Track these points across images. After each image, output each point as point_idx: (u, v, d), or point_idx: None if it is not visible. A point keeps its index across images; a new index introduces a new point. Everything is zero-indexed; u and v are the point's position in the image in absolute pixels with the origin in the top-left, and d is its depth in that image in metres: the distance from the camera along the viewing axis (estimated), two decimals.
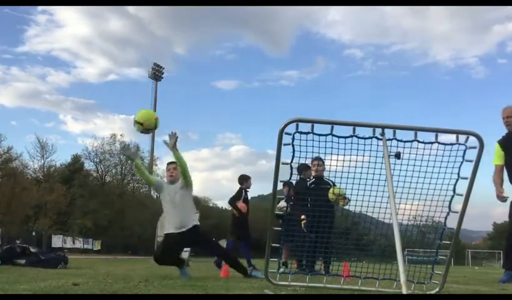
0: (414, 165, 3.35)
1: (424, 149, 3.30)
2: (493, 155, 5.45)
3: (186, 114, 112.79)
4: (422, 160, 3.35)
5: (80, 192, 43.31)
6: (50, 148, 42.27)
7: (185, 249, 5.14)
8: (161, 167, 52.44)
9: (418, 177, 3.39)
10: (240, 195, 8.35)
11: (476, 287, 4.40)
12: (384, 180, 3.23)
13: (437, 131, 3.20)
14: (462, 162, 3.27)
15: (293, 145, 3.19)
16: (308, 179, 6.16)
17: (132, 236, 43.39)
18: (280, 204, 6.52)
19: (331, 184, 4.65)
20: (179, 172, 4.92)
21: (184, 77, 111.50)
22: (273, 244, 3.52)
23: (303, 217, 5.61)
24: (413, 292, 3.43)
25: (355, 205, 3.59)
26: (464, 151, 3.23)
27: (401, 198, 3.42)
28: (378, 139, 3.26)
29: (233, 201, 8.43)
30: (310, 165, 5.79)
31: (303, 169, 5.72)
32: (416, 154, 3.32)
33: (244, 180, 8.45)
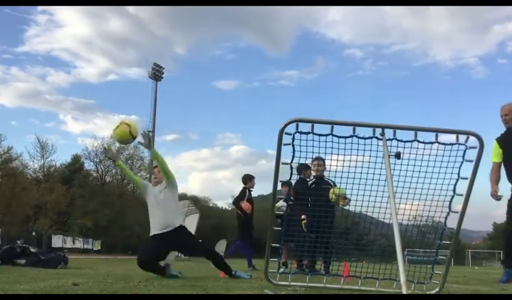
0: (414, 165, 3.36)
1: (424, 149, 3.30)
2: (491, 153, 5.45)
3: (186, 114, 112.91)
4: (422, 160, 3.35)
5: (80, 192, 43.31)
6: (50, 148, 42.30)
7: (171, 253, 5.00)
8: None
9: (418, 177, 3.39)
10: (243, 195, 8.34)
11: (476, 287, 4.40)
12: (384, 180, 3.23)
13: (437, 131, 3.20)
14: (462, 162, 3.27)
15: (293, 145, 3.19)
16: (308, 179, 6.17)
17: (132, 236, 43.38)
18: (278, 203, 6.53)
19: (332, 184, 4.66)
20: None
21: (184, 77, 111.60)
22: (273, 244, 3.52)
23: (303, 217, 5.61)
24: (413, 292, 3.43)
25: (355, 205, 3.60)
26: (464, 151, 3.24)
27: (401, 198, 3.42)
28: (378, 139, 3.27)
29: (237, 201, 8.43)
30: (310, 165, 5.79)
31: (303, 169, 5.73)
32: (416, 154, 3.32)
33: (248, 179, 8.45)
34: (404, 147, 3.27)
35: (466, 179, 3.26)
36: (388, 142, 3.25)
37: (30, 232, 35.22)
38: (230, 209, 65.53)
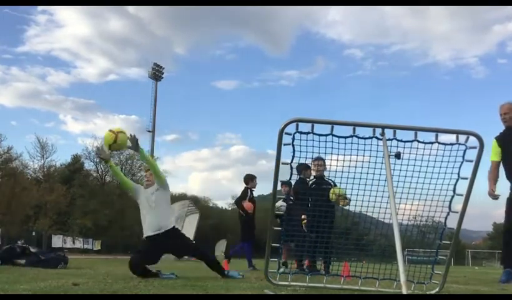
0: (414, 165, 3.36)
1: (424, 149, 3.30)
2: (490, 152, 5.45)
3: (186, 114, 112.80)
4: (422, 160, 3.35)
5: (80, 192, 43.32)
6: (50, 148, 42.34)
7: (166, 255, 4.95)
8: (161, 167, 52.50)
9: (418, 177, 3.39)
10: (245, 195, 8.35)
11: (476, 287, 4.40)
12: (384, 180, 3.23)
13: (437, 131, 3.20)
14: (462, 162, 3.27)
15: (293, 145, 3.19)
16: (308, 179, 6.17)
17: (132, 236, 43.35)
18: (277, 203, 6.53)
19: (332, 184, 4.66)
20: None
21: (184, 77, 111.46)
22: (273, 244, 3.52)
23: (303, 217, 5.61)
24: (413, 292, 3.43)
25: (355, 205, 3.60)
26: (464, 151, 3.24)
27: (401, 198, 3.42)
28: (378, 139, 3.27)
29: (239, 201, 8.43)
30: (310, 165, 5.79)
31: (302, 168, 5.73)
32: (416, 154, 3.32)
33: (250, 179, 8.45)
34: (404, 147, 3.27)
35: (466, 179, 3.26)
36: (388, 142, 3.25)
37: (30, 232, 35.24)
38: (230, 209, 65.58)
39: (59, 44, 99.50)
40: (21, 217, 34.55)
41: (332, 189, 4.90)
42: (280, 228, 3.81)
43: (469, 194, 3.26)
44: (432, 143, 3.26)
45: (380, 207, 3.41)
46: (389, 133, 3.26)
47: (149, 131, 59.75)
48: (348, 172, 3.52)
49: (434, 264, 3.61)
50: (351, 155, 3.41)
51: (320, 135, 3.17)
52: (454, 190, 3.32)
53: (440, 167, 3.35)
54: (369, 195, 3.43)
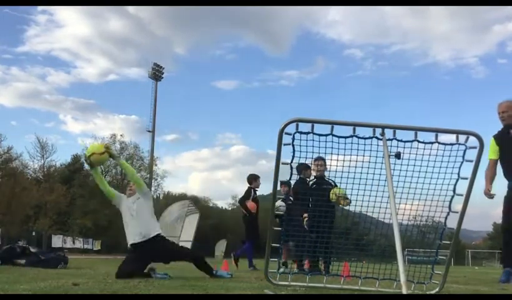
0: (414, 165, 3.36)
1: (424, 149, 3.30)
2: (488, 150, 5.46)
3: (186, 114, 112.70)
4: (422, 160, 3.35)
5: (80, 192, 43.32)
6: (50, 148, 42.40)
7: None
8: (161, 167, 52.52)
9: (418, 177, 3.39)
10: (249, 195, 8.37)
11: (476, 287, 4.40)
12: (384, 180, 3.23)
13: (437, 131, 3.20)
14: (462, 162, 3.27)
15: (293, 145, 3.19)
16: (308, 179, 6.17)
17: None
18: (276, 203, 6.53)
19: (333, 184, 4.66)
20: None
21: (184, 77, 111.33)
22: (273, 244, 3.52)
23: (305, 215, 5.62)
24: (413, 292, 3.43)
25: (355, 205, 3.60)
26: (464, 151, 3.24)
27: (401, 198, 3.42)
28: (378, 139, 3.27)
29: (242, 201, 8.45)
30: (310, 165, 5.79)
31: (302, 168, 5.73)
32: (416, 154, 3.32)
33: (253, 179, 8.47)
34: (404, 147, 3.27)
35: (466, 179, 3.26)
36: (388, 142, 3.25)
37: (30, 232, 35.25)
38: (230, 209, 65.62)
39: (59, 44, 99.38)
40: (21, 217, 34.56)
41: (333, 190, 4.90)
42: (279, 228, 3.81)
43: (469, 194, 3.26)
44: (432, 143, 3.25)
45: (380, 207, 3.41)
46: (389, 133, 3.26)
47: (149, 131, 59.66)
48: (348, 172, 3.52)
49: (434, 264, 3.61)
50: (351, 155, 3.41)
51: (320, 135, 3.17)
52: (454, 190, 3.32)
53: (440, 167, 3.35)
54: (369, 195, 3.43)
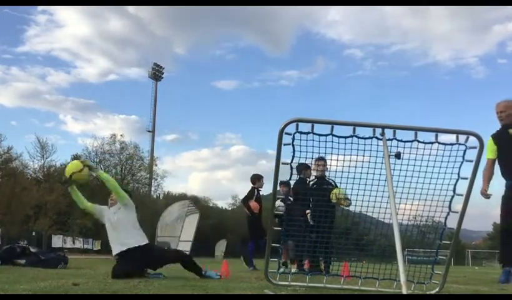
0: (414, 165, 3.36)
1: (424, 149, 3.30)
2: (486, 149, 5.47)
3: (186, 114, 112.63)
4: (422, 160, 3.36)
5: (80, 192, 43.28)
6: (50, 148, 42.28)
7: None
8: (161, 167, 52.51)
9: (418, 177, 3.39)
10: (252, 195, 8.39)
11: (476, 287, 4.40)
12: (384, 180, 3.23)
13: (437, 131, 3.20)
14: (462, 162, 3.27)
15: (293, 145, 3.19)
16: (308, 179, 6.17)
17: None
18: (275, 203, 6.53)
19: (333, 184, 4.66)
20: None
21: (184, 77, 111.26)
22: (273, 244, 3.53)
23: (308, 211, 5.62)
24: (413, 292, 3.43)
25: (355, 205, 3.60)
26: (464, 151, 3.24)
27: (401, 198, 3.42)
28: (378, 139, 3.27)
29: (245, 201, 8.46)
30: (311, 165, 5.79)
31: (302, 168, 5.73)
32: (416, 154, 3.33)
33: (256, 179, 8.49)
34: (404, 147, 3.27)
35: (466, 179, 3.26)
36: (388, 142, 3.25)
37: (30, 232, 35.24)
38: (230, 209, 65.59)
39: (59, 44, 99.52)
40: (21, 217, 34.55)
41: (333, 191, 4.89)
42: (279, 228, 3.81)
43: (469, 194, 3.26)
44: (432, 143, 3.26)
45: (380, 207, 3.42)
46: (389, 133, 3.26)
47: (149, 131, 59.76)
48: (348, 172, 3.52)
49: (434, 264, 3.61)
50: (351, 155, 3.41)
51: (320, 135, 3.17)
52: (454, 190, 3.33)
53: (440, 167, 3.35)
54: (369, 195, 3.44)
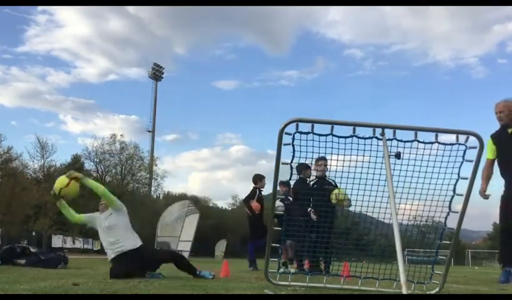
0: (414, 165, 3.36)
1: (424, 149, 3.30)
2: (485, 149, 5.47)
3: (186, 114, 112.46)
4: (422, 160, 3.36)
5: (80, 192, 43.30)
6: (50, 148, 42.33)
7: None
8: (161, 167, 52.50)
9: (418, 177, 3.39)
10: (253, 195, 8.42)
11: (476, 287, 4.40)
12: (384, 180, 3.23)
13: (437, 131, 3.20)
14: (462, 162, 3.27)
15: (293, 145, 3.19)
16: (308, 179, 6.17)
17: None
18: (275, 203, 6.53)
19: (334, 184, 4.67)
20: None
21: (184, 77, 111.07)
22: (273, 244, 3.53)
23: (309, 209, 5.62)
24: (413, 292, 3.43)
25: (355, 205, 3.60)
26: (464, 151, 3.24)
27: (401, 198, 3.42)
28: (378, 139, 3.27)
29: (246, 200, 8.48)
30: (310, 165, 5.79)
31: (302, 168, 5.73)
32: (416, 154, 3.33)
33: (258, 179, 8.52)
34: (404, 147, 3.27)
35: (466, 179, 3.26)
36: (388, 142, 3.26)
37: (30, 232, 35.22)
38: (230, 209, 65.59)
39: (59, 44, 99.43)
40: (21, 217, 34.54)
41: (333, 192, 4.89)
42: (279, 228, 3.81)
43: (469, 194, 3.26)
44: (432, 143, 3.26)
45: (380, 207, 3.42)
46: (389, 133, 3.26)
47: (149, 131, 59.87)
48: (348, 172, 3.53)
49: (434, 264, 3.61)
50: (351, 155, 3.41)
51: (320, 135, 3.18)
52: (454, 190, 3.33)
53: (440, 167, 3.35)
54: (369, 195, 3.44)
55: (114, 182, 48.14)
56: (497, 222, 5.77)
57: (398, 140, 3.25)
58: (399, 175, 3.34)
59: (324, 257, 5.32)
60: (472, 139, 3.16)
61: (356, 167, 3.52)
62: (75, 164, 48.20)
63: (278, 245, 3.62)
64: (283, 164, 3.20)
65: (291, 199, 7.06)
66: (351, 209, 3.93)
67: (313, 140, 3.19)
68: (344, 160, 3.48)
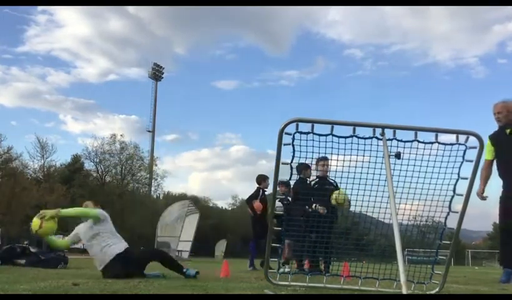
0: (414, 165, 3.36)
1: (424, 149, 3.31)
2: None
3: (186, 114, 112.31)
4: (422, 160, 3.36)
5: (80, 192, 43.25)
6: (50, 148, 42.33)
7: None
8: (161, 167, 52.51)
9: (418, 177, 3.39)
10: (257, 195, 8.46)
11: (476, 287, 4.40)
12: (384, 180, 3.23)
13: (437, 131, 3.20)
14: (462, 162, 3.27)
15: (293, 145, 3.20)
16: (308, 179, 6.17)
17: (132, 236, 43.38)
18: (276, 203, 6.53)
19: (334, 184, 4.67)
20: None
21: (184, 77, 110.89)
22: (273, 244, 3.53)
23: (315, 205, 5.62)
24: (413, 292, 3.43)
25: (355, 205, 3.60)
26: (464, 151, 3.24)
27: (401, 198, 3.43)
28: (378, 139, 3.27)
29: (249, 200, 8.51)
30: (311, 165, 5.78)
31: (302, 168, 5.73)
32: (416, 154, 3.33)
33: (262, 180, 8.56)
34: (404, 147, 3.28)
35: (466, 179, 3.26)
36: (388, 142, 3.26)
37: (30, 232, 35.20)
38: (230, 209, 65.59)
39: (59, 44, 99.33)
40: (21, 217, 34.49)
41: (333, 193, 4.89)
42: (279, 228, 3.81)
43: (469, 194, 3.26)
44: (432, 143, 3.26)
45: (380, 207, 3.42)
46: (389, 133, 3.26)
47: (149, 131, 59.92)
48: (348, 172, 3.53)
49: (434, 264, 3.61)
50: (351, 155, 3.41)
51: (320, 135, 3.18)
52: (454, 190, 3.33)
53: (440, 167, 3.35)
54: (369, 195, 3.44)
55: (114, 182, 48.17)
56: (497, 222, 5.76)
57: (398, 140, 3.25)
58: (399, 175, 3.34)
59: (324, 257, 5.32)
60: (472, 139, 3.16)
61: (356, 167, 3.52)
62: (75, 164, 48.27)
63: (278, 245, 3.62)
64: (283, 164, 3.20)
65: (290, 199, 7.06)
66: (351, 209, 3.93)
67: (313, 140, 3.19)
68: (344, 160, 3.48)
